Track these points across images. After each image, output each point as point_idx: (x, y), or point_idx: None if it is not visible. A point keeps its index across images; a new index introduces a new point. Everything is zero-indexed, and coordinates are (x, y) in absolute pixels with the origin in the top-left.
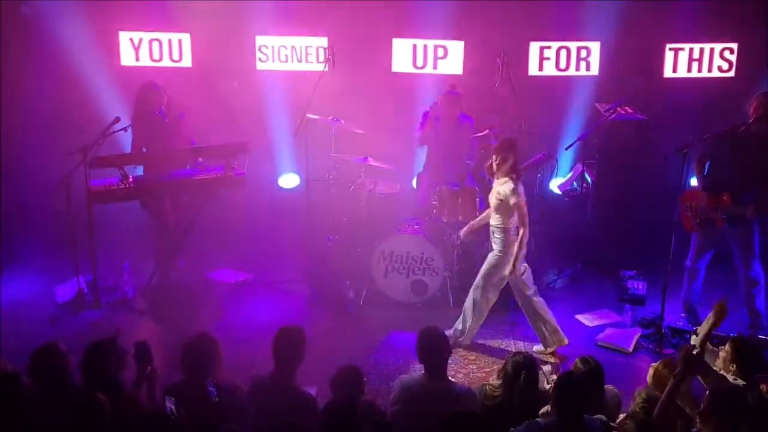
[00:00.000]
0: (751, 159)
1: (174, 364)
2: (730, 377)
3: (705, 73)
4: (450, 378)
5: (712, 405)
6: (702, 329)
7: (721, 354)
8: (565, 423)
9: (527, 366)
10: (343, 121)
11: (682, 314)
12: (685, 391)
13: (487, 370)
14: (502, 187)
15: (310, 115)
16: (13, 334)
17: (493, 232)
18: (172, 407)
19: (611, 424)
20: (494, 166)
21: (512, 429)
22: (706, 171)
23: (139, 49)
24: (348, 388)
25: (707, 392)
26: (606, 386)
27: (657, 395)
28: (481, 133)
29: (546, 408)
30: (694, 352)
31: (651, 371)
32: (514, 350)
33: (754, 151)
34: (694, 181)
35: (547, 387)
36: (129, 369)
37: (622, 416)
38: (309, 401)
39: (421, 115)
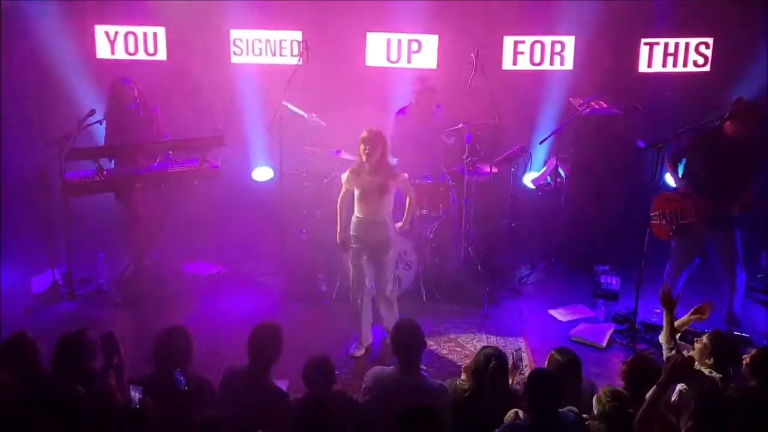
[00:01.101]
0: (726, 161)
1: (147, 356)
2: (705, 370)
3: (680, 68)
4: (423, 372)
5: (701, 411)
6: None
7: (698, 346)
8: (541, 420)
9: (497, 356)
10: (315, 116)
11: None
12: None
13: (461, 364)
14: (393, 177)
15: (286, 104)
16: None
17: (378, 224)
18: (138, 396)
19: (584, 416)
20: (364, 156)
21: None
22: (681, 171)
23: (115, 42)
24: (320, 378)
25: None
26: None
27: (623, 392)
28: (455, 128)
29: (512, 412)
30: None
31: (624, 367)
32: (486, 344)
33: (729, 154)
34: (668, 177)
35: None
36: (98, 360)
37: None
38: (282, 398)
39: (394, 120)
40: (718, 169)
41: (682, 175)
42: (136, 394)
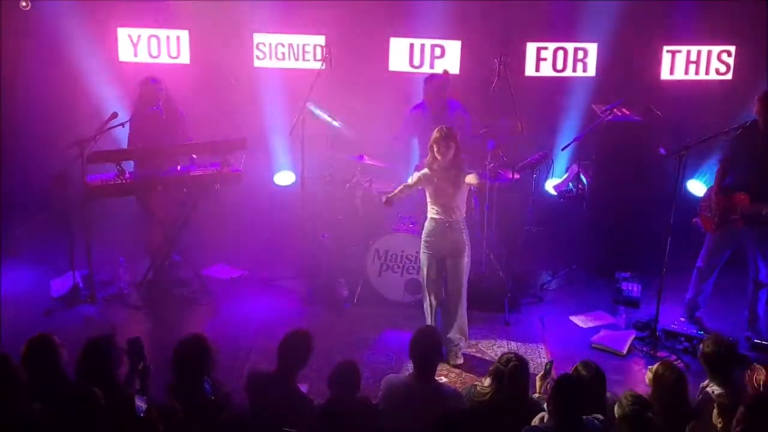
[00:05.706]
0: (764, 158)
1: (167, 360)
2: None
3: (702, 76)
4: (439, 378)
5: (749, 413)
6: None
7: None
8: (564, 424)
9: (517, 358)
10: (341, 123)
11: (682, 317)
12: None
13: (480, 370)
14: (468, 176)
15: (310, 106)
16: (7, 327)
17: (454, 224)
18: (144, 406)
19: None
20: (441, 155)
21: None
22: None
23: (138, 45)
24: (346, 384)
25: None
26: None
27: (643, 397)
28: (478, 134)
29: (539, 416)
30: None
31: (650, 374)
32: (507, 350)
33: (765, 151)
34: (690, 184)
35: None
36: (122, 365)
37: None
38: (306, 403)
39: (403, 120)
40: (758, 167)
41: (724, 182)
42: (141, 404)
